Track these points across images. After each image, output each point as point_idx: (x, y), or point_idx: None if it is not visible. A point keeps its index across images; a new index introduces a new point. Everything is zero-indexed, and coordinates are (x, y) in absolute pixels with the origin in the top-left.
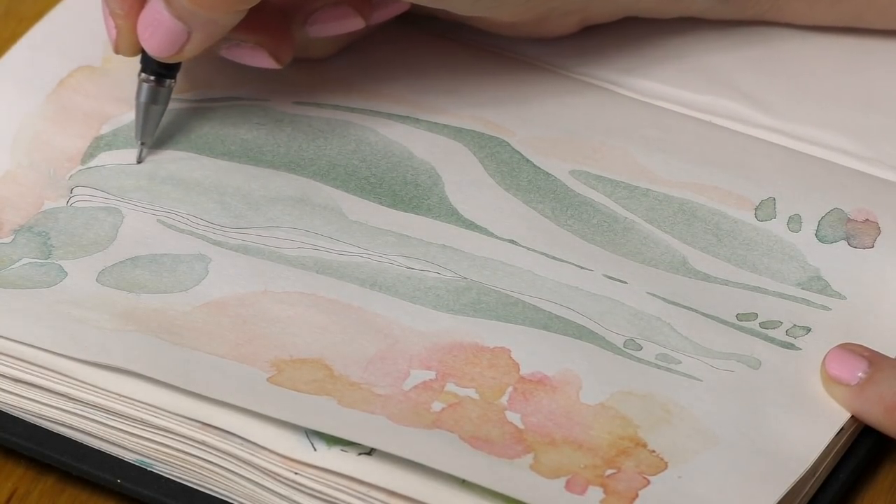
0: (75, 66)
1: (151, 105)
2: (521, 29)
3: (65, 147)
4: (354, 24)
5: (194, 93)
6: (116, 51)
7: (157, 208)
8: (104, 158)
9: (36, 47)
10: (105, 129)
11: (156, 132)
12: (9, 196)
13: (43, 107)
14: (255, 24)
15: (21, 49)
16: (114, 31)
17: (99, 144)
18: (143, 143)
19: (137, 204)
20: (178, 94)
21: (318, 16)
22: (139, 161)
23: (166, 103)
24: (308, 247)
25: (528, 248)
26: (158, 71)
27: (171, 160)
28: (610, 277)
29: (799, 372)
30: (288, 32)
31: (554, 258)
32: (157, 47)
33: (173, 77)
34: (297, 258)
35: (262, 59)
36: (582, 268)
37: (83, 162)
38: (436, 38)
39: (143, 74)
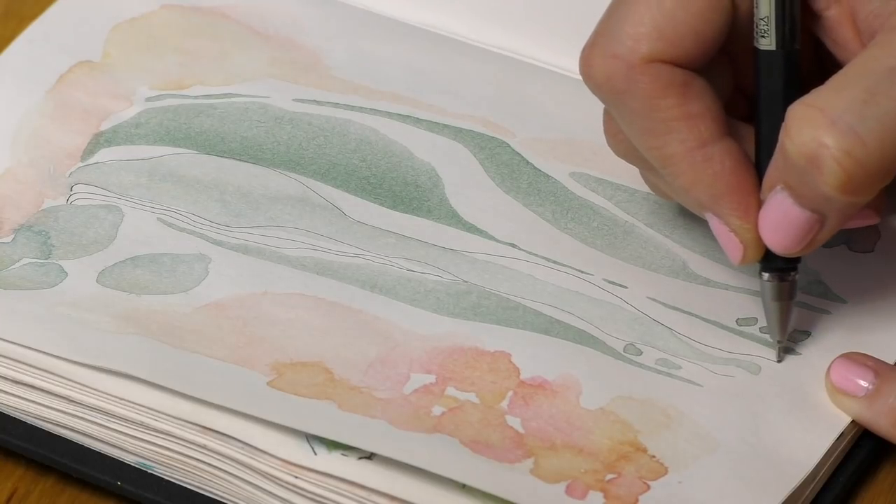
0: (75, 62)
1: (780, 302)
2: None
3: (65, 144)
4: (870, 220)
5: (194, 90)
6: (743, 262)
7: (157, 206)
8: (104, 155)
9: (35, 43)
10: (105, 126)
11: (789, 327)
12: (9, 194)
13: (42, 103)
14: None
15: (20, 45)
16: (739, 247)
17: (99, 141)
18: (779, 342)
19: (137, 201)
20: (178, 92)
21: None
22: (779, 360)
23: (794, 296)
24: (308, 247)
25: (528, 252)
26: (782, 267)
27: (171, 157)
28: (610, 282)
29: (799, 377)
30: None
31: (554, 262)
32: (788, 246)
33: (795, 269)
34: (298, 259)
35: (869, 217)
36: (582, 272)
37: (83, 159)
38: (436, 36)
39: (765, 274)
